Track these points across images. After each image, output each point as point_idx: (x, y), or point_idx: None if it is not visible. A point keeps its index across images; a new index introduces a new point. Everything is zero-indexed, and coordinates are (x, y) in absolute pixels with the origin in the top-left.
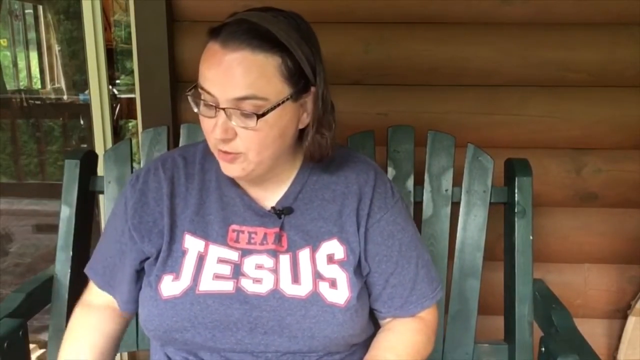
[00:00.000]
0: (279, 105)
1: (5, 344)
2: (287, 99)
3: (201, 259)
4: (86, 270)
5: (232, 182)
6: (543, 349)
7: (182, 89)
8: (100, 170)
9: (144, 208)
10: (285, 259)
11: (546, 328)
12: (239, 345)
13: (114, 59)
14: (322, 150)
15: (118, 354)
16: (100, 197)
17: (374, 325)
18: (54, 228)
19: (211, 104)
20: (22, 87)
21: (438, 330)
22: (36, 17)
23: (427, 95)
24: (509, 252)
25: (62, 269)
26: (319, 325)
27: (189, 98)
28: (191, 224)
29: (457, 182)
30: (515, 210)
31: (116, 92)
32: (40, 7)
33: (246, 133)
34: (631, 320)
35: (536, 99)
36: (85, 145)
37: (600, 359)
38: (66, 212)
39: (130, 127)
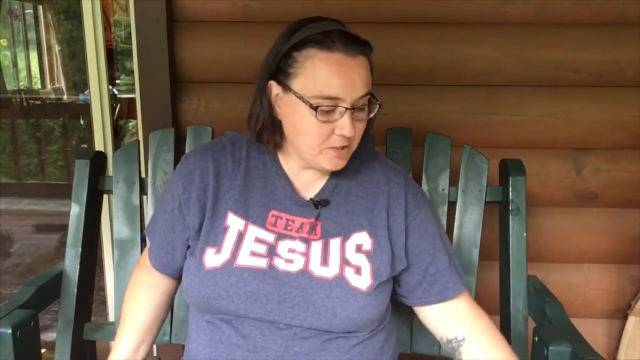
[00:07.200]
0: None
1: (18, 333)
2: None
3: (240, 236)
4: (145, 232)
5: (279, 173)
6: (536, 338)
7: (182, 89)
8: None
9: (191, 185)
10: (317, 245)
11: (539, 320)
12: (267, 315)
13: (114, 59)
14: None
15: None
16: (104, 197)
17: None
18: (54, 228)
19: (334, 106)
20: (22, 87)
21: None
22: (36, 17)
23: (427, 95)
24: (504, 249)
25: (71, 264)
26: (342, 306)
27: (318, 113)
28: (235, 204)
29: (453, 181)
30: (510, 209)
31: (116, 92)
32: (40, 7)
33: (360, 126)
34: (631, 320)
35: (536, 99)
36: (85, 145)
37: (591, 347)
38: (76, 210)
39: (130, 127)
